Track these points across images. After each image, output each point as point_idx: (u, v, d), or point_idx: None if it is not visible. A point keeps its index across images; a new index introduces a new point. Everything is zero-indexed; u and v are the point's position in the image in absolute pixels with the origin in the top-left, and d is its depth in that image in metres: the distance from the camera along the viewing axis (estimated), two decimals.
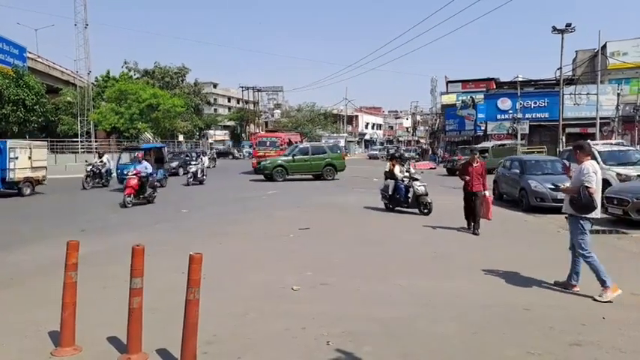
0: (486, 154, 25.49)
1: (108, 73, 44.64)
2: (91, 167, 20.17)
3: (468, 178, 9.50)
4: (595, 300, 5.22)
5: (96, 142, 36.39)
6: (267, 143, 28.92)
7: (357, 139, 73.11)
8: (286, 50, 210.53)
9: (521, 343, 4.04)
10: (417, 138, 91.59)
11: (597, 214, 5.45)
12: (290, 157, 23.79)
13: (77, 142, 34.78)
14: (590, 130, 35.10)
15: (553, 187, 11.29)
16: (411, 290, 5.60)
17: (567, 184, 5.87)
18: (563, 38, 29.50)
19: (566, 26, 29.23)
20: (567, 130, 37.08)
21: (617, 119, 37.38)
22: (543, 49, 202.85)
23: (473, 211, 9.38)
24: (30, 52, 37.43)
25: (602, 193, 10.75)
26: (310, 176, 23.92)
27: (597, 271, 5.35)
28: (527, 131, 37.71)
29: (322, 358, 3.83)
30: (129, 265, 3.71)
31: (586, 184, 5.28)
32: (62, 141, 34.98)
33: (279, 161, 23.72)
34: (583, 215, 5.41)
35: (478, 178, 9.43)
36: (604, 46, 39.70)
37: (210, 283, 5.37)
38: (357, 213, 12.26)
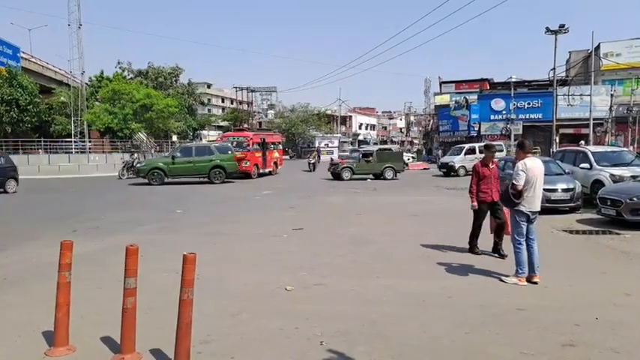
0: (370, 159, 24.49)
1: (101, 73, 44.44)
2: None
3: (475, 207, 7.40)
4: (501, 280, 5.93)
5: (89, 142, 36.20)
6: (234, 144, 25.49)
7: (350, 139, 73.10)
8: (280, 51, 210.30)
9: (514, 343, 4.05)
10: (410, 139, 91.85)
11: (532, 207, 5.90)
12: (169, 159, 21.91)
13: (71, 142, 34.57)
14: (583, 131, 35.32)
15: (546, 188, 11.31)
16: (404, 290, 5.61)
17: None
18: (556, 39, 29.67)
19: (559, 27, 29.39)
20: (561, 130, 37.31)
21: (610, 120, 37.65)
22: (537, 50, 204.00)
23: (498, 228, 7.28)
24: (24, 52, 37.26)
25: (596, 194, 10.90)
26: (197, 179, 22.26)
27: (518, 260, 5.91)
28: (520, 132, 37.84)
29: (315, 358, 3.83)
30: (122, 266, 3.69)
31: (513, 182, 5.87)
32: (56, 141, 34.78)
33: (159, 163, 21.90)
34: (513, 208, 5.97)
35: (496, 184, 7.39)
36: (597, 47, 40.00)
37: (204, 283, 5.36)
38: (351, 213, 12.25)
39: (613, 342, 4.07)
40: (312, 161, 32.83)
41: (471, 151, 27.28)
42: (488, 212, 7.43)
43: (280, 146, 32.33)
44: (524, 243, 5.92)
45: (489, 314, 4.77)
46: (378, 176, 24.08)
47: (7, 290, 5.74)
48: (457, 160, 26.44)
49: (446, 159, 28.21)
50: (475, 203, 7.36)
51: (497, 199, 7.26)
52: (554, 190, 11.62)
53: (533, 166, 5.88)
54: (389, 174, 23.96)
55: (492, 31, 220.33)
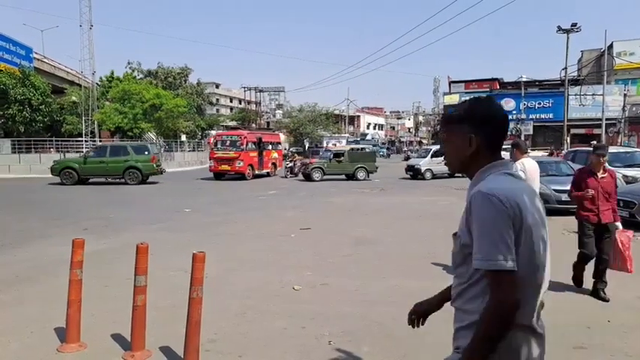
0: (341, 159, 23.53)
1: (112, 73, 44.90)
2: None
3: (590, 194, 5.46)
4: None
5: (100, 141, 36.51)
6: (228, 143, 24.39)
7: (358, 139, 73.10)
8: (288, 51, 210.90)
9: None
10: (419, 139, 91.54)
11: None
12: (81, 159, 21.92)
13: (82, 141, 34.89)
14: (595, 131, 34.98)
15: (557, 189, 11.20)
16: (411, 290, 5.56)
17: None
18: (568, 38, 29.42)
19: (571, 26, 29.13)
20: (572, 131, 36.99)
21: (623, 120, 37.23)
22: (548, 50, 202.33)
23: (599, 258, 5.43)
24: (36, 53, 37.67)
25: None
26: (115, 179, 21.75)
27: None
28: (531, 132, 37.66)
29: (322, 357, 3.83)
30: (132, 264, 3.72)
31: None
32: (67, 140, 35.11)
33: (71, 163, 21.76)
34: None
35: (606, 199, 5.48)
36: (610, 46, 39.57)
37: (212, 282, 5.38)
38: (357, 214, 12.23)
39: (625, 345, 4.02)
40: (290, 165, 27.00)
41: (439, 153, 25.03)
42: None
43: (280, 146, 31.20)
44: None
45: None
46: (350, 177, 23.50)
47: (18, 287, 5.81)
48: (423, 163, 24.63)
49: (412, 162, 26.69)
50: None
51: (607, 220, 5.42)
52: (566, 191, 11.47)
53: (530, 166, 5.78)
54: (361, 174, 23.36)
55: (503, 30, 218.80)
